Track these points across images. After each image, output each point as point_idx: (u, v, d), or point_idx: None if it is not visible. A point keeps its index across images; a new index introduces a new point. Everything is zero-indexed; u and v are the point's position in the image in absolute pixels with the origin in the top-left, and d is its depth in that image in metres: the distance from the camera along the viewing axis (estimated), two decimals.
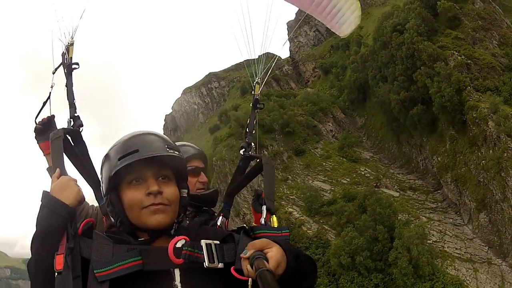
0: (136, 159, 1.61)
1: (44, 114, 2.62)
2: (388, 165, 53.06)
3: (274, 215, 2.13)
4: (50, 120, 2.56)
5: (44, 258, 1.49)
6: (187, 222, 1.69)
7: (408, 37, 45.99)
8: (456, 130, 41.11)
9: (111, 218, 1.71)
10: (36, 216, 1.60)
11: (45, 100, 2.53)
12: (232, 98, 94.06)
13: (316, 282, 1.69)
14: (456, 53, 43.89)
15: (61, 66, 2.50)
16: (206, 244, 1.57)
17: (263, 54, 3.13)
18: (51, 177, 2.23)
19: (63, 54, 2.51)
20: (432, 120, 44.30)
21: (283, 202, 51.80)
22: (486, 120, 37.54)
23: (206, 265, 1.53)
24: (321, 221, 46.08)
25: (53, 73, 2.50)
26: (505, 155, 35.59)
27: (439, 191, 45.51)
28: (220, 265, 1.56)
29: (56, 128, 2.48)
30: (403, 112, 46.86)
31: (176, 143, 2.18)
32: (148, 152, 1.62)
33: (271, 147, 59.88)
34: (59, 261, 1.46)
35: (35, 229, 1.57)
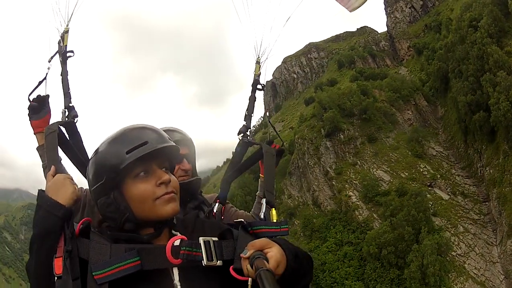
0: (148, 151, 1.55)
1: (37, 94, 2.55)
2: (453, 164, 52.61)
3: (273, 208, 2.02)
4: (45, 99, 2.52)
5: (43, 261, 1.49)
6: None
7: (480, 37, 44.49)
8: (509, 146, 39.44)
9: (111, 218, 1.60)
10: (33, 217, 1.60)
11: (40, 80, 2.53)
12: (329, 70, 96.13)
13: (312, 279, 1.67)
14: None
15: (57, 54, 2.53)
16: (204, 241, 1.54)
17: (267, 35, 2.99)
18: (40, 156, 2.37)
19: (58, 42, 2.53)
20: (492, 130, 42.66)
21: (346, 185, 57.39)
22: None
23: (205, 263, 1.51)
24: (372, 209, 50.41)
25: (49, 61, 2.53)
26: None
27: (486, 203, 44.16)
28: (219, 262, 1.53)
29: (50, 108, 2.52)
30: (468, 115, 46.11)
31: (163, 128, 2.21)
32: (158, 143, 1.58)
33: (347, 131, 62.72)
34: (58, 265, 1.46)
35: (33, 231, 1.57)
